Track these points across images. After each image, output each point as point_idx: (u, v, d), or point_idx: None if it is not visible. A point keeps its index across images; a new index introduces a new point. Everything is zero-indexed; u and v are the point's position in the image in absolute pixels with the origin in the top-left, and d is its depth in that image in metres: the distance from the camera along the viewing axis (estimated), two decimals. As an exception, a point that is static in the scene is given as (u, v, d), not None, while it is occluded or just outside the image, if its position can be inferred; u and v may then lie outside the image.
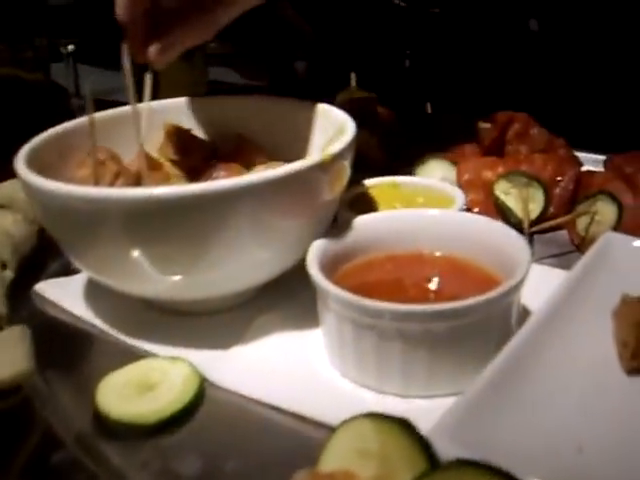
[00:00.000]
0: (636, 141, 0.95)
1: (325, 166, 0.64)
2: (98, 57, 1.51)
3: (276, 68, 1.69)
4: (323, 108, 0.78)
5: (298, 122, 0.81)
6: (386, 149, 0.98)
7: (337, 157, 0.65)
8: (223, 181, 0.60)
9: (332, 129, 0.74)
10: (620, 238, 0.71)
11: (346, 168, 0.69)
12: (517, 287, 0.58)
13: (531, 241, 0.83)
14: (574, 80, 1.14)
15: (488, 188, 0.88)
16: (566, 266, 0.70)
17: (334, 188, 0.68)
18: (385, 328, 0.56)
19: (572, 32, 1.11)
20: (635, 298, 0.59)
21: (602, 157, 0.97)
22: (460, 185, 0.90)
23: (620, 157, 0.91)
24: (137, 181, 0.73)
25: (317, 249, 0.64)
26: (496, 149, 0.96)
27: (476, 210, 0.89)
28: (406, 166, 0.94)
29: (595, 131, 1.02)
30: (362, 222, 0.69)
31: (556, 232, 0.87)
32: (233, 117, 0.85)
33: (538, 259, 0.81)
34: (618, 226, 0.80)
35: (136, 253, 0.62)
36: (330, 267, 0.65)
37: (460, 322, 0.56)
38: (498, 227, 0.66)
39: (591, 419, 0.54)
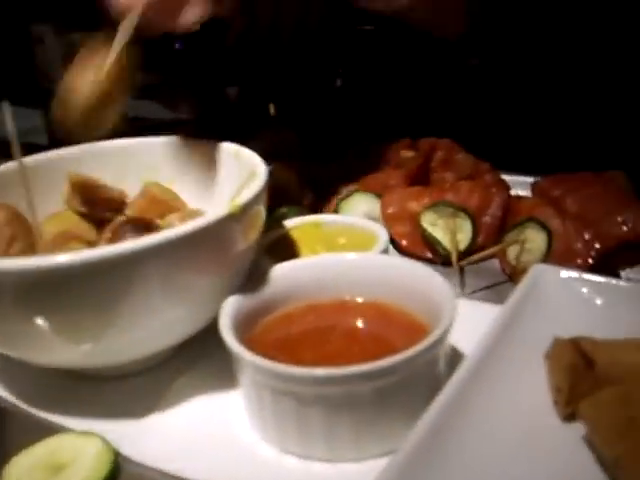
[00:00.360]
0: (563, 162, 0.94)
1: (236, 216, 0.60)
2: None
3: (206, 96, 1.64)
4: (236, 150, 0.75)
5: (210, 166, 0.77)
6: (310, 185, 0.94)
7: (248, 205, 0.61)
8: (127, 244, 0.55)
9: (245, 173, 0.71)
10: (549, 270, 0.68)
11: (260, 214, 0.65)
12: (443, 338, 0.54)
13: (462, 273, 0.80)
14: (498, 101, 1.12)
15: (414, 220, 0.85)
16: (500, 298, 0.68)
17: (248, 237, 0.64)
18: (304, 393, 0.52)
19: (492, 53, 1.09)
20: (566, 340, 0.56)
21: (530, 179, 0.95)
22: (385, 218, 0.86)
23: (547, 180, 0.90)
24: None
25: (230, 306, 0.60)
26: (421, 177, 0.93)
27: (404, 242, 0.86)
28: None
29: (521, 152, 1.00)
30: (279, 271, 0.65)
31: (488, 261, 0.84)
32: (143, 163, 0.81)
33: (470, 292, 0.79)
34: (549, 253, 0.78)
35: (38, 323, 0.57)
36: (248, 322, 0.61)
37: (384, 382, 0.52)
38: (421, 270, 0.63)
39: (527, 470, 0.51)
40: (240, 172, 0.72)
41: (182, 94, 1.65)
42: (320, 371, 0.51)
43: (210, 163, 0.78)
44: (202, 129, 1.42)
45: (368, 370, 0.51)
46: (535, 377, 0.58)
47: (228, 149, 0.76)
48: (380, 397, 0.53)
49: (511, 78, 1.10)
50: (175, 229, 0.57)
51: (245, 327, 0.60)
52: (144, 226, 0.68)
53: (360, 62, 1.32)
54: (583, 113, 0.97)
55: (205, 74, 1.58)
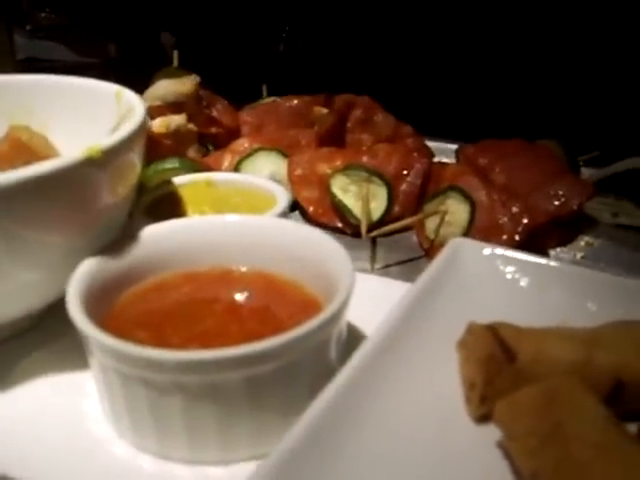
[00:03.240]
0: (493, 127, 0.85)
1: (95, 163, 0.49)
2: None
3: (136, 39, 1.50)
4: (117, 91, 0.64)
5: (89, 109, 0.66)
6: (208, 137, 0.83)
7: (113, 150, 0.50)
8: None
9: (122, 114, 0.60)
10: (469, 245, 0.59)
11: (131, 163, 0.55)
12: (334, 318, 0.45)
13: (373, 245, 0.71)
14: (423, 59, 1.03)
15: (324, 184, 0.75)
16: (413, 276, 0.58)
17: (114, 189, 0.53)
18: (158, 381, 0.42)
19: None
20: (483, 326, 0.47)
21: (456, 146, 0.86)
22: (292, 181, 0.76)
23: (473, 147, 0.81)
24: None
25: (85, 272, 0.50)
26: (335, 138, 0.83)
27: (311, 209, 0.76)
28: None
29: (448, 116, 0.91)
30: (151, 233, 0.54)
31: (403, 234, 0.74)
32: (13, 102, 0.69)
33: (381, 267, 0.70)
34: (471, 227, 0.69)
35: None
36: (109, 291, 0.51)
37: (257, 370, 0.42)
38: (316, 237, 0.53)
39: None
40: (119, 116, 0.61)
41: (93, 37, 1.51)
42: (173, 355, 0.41)
43: (88, 106, 0.67)
44: (108, 74, 1.31)
45: (235, 356, 0.41)
46: (446, 368, 0.49)
47: (108, 90, 0.65)
48: (252, 388, 0.43)
49: (441, 33, 1.01)
50: (11, 174, 0.46)
51: (105, 297, 0.50)
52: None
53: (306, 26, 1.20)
54: (515, 74, 0.89)
55: (134, 18, 1.45)
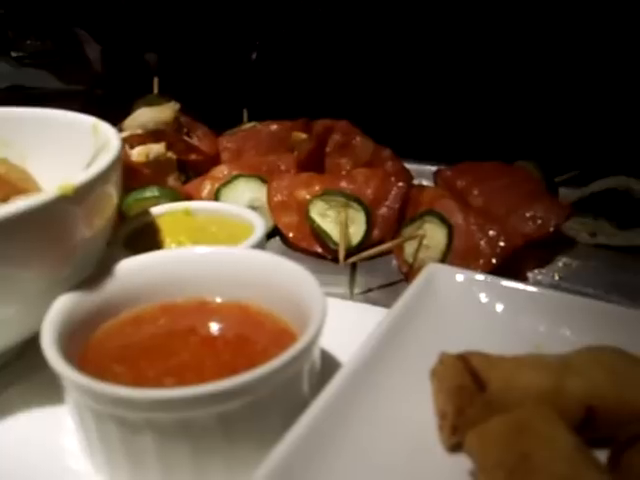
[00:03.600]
0: (471, 149, 0.85)
1: (70, 199, 0.49)
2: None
3: (121, 60, 1.50)
4: (93, 124, 0.64)
5: (67, 142, 0.66)
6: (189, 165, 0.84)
7: (88, 186, 0.51)
8: None
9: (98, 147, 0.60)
10: (444, 271, 0.60)
11: (107, 197, 0.55)
12: (306, 352, 0.45)
13: (353, 270, 0.71)
14: (403, 81, 1.03)
15: (303, 210, 0.75)
16: (392, 300, 0.57)
17: (90, 224, 0.53)
18: (132, 419, 0.42)
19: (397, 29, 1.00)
20: (454, 356, 0.47)
21: (435, 168, 0.87)
22: (271, 207, 0.77)
23: (451, 169, 0.81)
24: None
25: (60, 307, 0.50)
26: (314, 163, 0.83)
27: (290, 234, 0.77)
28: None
29: (427, 138, 0.91)
30: (127, 266, 0.55)
31: (384, 257, 0.75)
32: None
33: (360, 292, 0.70)
34: (449, 251, 0.70)
35: None
36: (85, 326, 0.51)
37: (228, 406, 0.42)
38: (288, 267, 0.53)
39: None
40: (96, 148, 0.62)
41: (77, 63, 1.51)
42: (144, 393, 0.41)
43: (66, 138, 0.67)
44: (92, 101, 1.31)
45: (206, 393, 0.41)
46: (421, 396, 0.50)
47: (86, 122, 0.65)
48: (225, 423, 0.43)
49: (420, 56, 1.02)
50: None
51: (81, 332, 0.50)
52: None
53: (280, 36, 1.21)
54: (494, 96, 0.89)
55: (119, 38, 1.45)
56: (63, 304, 0.50)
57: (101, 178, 0.53)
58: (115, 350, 0.51)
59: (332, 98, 1.01)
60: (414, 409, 0.49)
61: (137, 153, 0.78)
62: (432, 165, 0.88)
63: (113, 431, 0.44)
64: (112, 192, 0.56)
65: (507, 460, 0.40)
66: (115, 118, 0.83)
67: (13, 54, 1.46)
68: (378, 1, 1.04)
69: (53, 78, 1.47)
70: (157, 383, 0.47)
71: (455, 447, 0.46)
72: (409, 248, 0.72)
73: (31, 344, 0.56)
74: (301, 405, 0.45)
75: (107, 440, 0.45)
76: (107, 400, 0.42)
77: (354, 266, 0.71)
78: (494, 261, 0.67)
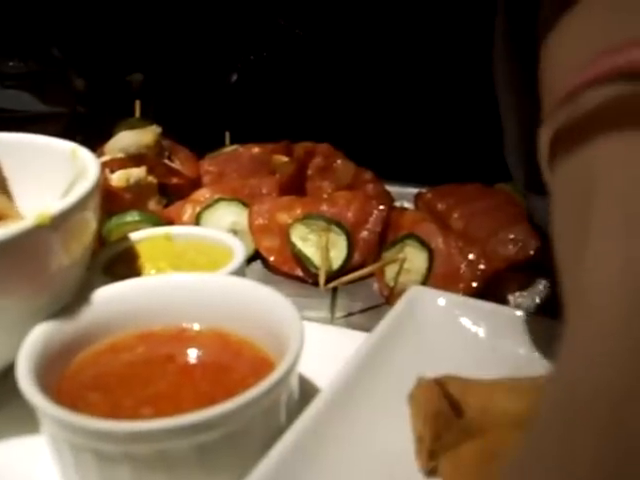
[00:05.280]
0: (452, 171, 0.86)
1: (47, 228, 0.49)
2: None
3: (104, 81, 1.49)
4: (72, 149, 0.63)
5: (46, 167, 0.66)
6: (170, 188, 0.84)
7: (65, 215, 0.51)
8: None
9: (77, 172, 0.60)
10: (426, 294, 0.60)
11: (85, 224, 0.55)
12: (281, 382, 0.45)
13: (334, 294, 0.71)
14: (382, 106, 1.04)
15: (284, 233, 0.75)
16: (374, 324, 0.57)
17: (69, 252, 0.53)
18: (109, 451, 0.42)
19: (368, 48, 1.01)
20: (431, 381, 0.47)
21: (416, 190, 0.87)
22: (253, 231, 0.77)
23: (431, 192, 0.81)
24: None
25: (36, 338, 0.49)
26: (296, 186, 0.83)
27: (272, 258, 0.76)
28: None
29: (409, 160, 0.92)
30: (104, 294, 0.54)
31: (365, 281, 0.75)
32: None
33: (341, 316, 0.70)
34: (429, 274, 0.70)
35: None
36: (61, 356, 0.51)
37: (206, 437, 0.42)
38: (264, 293, 0.53)
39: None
40: (75, 174, 0.62)
41: (60, 84, 1.50)
42: (121, 425, 0.41)
43: (45, 163, 0.67)
44: (74, 124, 1.30)
45: (183, 424, 0.41)
46: (400, 421, 0.49)
47: (64, 148, 0.65)
48: (202, 454, 0.43)
49: (400, 78, 1.02)
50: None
51: (57, 361, 0.50)
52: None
53: (261, 57, 1.21)
54: (475, 117, 0.90)
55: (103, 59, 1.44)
56: (39, 334, 0.50)
57: (79, 206, 0.52)
58: (92, 379, 0.51)
59: (313, 120, 1.01)
60: (392, 433, 0.49)
61: (117, 177, 0.78)
62: (413, 187, 0.88)
63: (90, 463, 0.43)
64: (90, 219, 0.56)
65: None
66: (97, 139, 0.84)
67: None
68: (359, 24, 1.05)
69: (35, 100, 1.47)
70: (134, 413, 0.46)
71: (433, 472, 0.46)
72: (390, 272, 0.72)
73: (5, 374, 0.55)
74: (279, 433, 0.45)
75: (84, 471, 0.45)
76: (84, 433, 0.42)
77: (335, 290, 0.71)
78: (475, 284, 0.68)
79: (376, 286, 0.75)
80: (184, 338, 0.54)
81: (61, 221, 0.50)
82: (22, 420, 0.52)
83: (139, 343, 0.54)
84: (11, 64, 1.48)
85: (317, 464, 0.44)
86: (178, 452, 0.42)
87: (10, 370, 0.53)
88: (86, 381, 0.50)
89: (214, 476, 0.44)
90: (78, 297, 0.55)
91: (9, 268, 0.49)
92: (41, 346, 0.49)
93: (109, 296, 0.55)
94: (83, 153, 0.63)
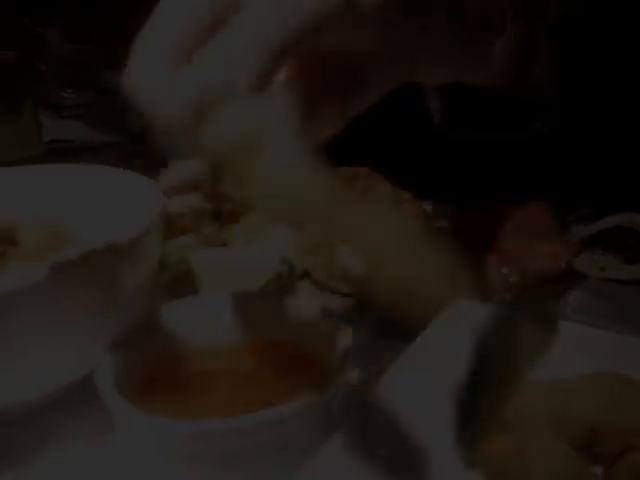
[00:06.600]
0: (484, 189, 0.90)
1: (122, 255, 0.56)
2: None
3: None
4: (135, 179, 0.70)
5: (108, 196, 0.72)
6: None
7: (137, 242, 0.57)
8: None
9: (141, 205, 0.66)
10: (463, 307, 0.64)
11: (150, 251, 0.61)
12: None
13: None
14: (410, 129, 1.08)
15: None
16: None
17: (138, 273, 0.60)
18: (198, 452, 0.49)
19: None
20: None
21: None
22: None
23: (462, 211, 0.86)
24: None
25: (112, 351, 0.55)
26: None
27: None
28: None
29: (442, 181, 0.96)
30: (169, 310, 0.61)
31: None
32: (41, 193, 0.76)
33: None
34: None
35: None
36: (130, 372, 0.56)
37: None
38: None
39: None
40: (137, 204, 0.68)
41: (115, 113, 1.56)
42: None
43: (109, 193, 0.73)
44: (128, 154, 1.35)
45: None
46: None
47: (129, 177, 0.71)
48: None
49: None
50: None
51: (130, 375, 0.55)
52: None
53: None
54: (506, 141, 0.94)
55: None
56: (115, 347, 0.56)
57: (144, 235, 0.59)
58: (161, 389, 0.56)
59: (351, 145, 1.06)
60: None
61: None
62: (447, 206, 0.93)
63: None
64: (154, 247, 0.62)
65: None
66: (152, 168, 0.90)
67: (52, 108, 1.53)
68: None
69: (90, 129, 1.53)
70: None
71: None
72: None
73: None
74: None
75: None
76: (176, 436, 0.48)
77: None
78: (508, 297, 0.72)
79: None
80: (247, 350, 0.59)
81: (133, 248, 0.57)
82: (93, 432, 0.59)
83: (200, 356, 0.60)
84: (66, 95, 1.54)
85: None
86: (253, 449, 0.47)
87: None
88: (157, 389, 0.56)
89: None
90: (145, 314, 0.61)
91: (88, 287, 0.55)
92: (116, 361, 0.55)
93: (172, 312, 0.60)
94: (147, 181, 0.69)
